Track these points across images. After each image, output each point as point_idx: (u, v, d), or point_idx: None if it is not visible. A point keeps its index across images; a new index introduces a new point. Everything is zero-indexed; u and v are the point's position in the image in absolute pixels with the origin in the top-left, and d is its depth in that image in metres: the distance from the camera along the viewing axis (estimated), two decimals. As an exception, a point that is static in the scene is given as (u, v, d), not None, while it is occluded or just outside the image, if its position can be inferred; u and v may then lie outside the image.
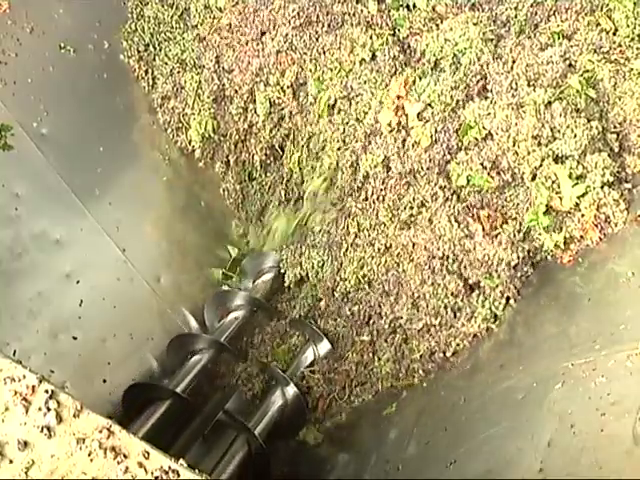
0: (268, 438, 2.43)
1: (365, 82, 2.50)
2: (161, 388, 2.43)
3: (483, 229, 2.31)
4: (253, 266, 2.95)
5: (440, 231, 2.34)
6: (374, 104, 2.45)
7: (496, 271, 2.29)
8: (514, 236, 2.28)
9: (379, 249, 2.53)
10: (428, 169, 2.36)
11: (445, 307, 2.35)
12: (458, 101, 2.34)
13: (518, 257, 2.26)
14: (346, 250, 2.62)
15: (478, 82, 2.37)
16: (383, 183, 2.47)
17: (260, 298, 2.80)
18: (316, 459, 2.48)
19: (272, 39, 2.61)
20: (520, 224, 2.31)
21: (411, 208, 2.41)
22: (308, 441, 2.58)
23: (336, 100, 2.57)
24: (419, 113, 2.34)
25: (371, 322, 2.59)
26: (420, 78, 2.40)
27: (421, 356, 2.42)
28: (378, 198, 2.51)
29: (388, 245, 2.51)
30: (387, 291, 2.51)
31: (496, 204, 2.35)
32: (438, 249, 2.35)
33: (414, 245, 2.40)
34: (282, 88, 2.64)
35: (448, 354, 2.36)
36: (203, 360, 2.58)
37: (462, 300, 2.33)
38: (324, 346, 2.63)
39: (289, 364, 2.68)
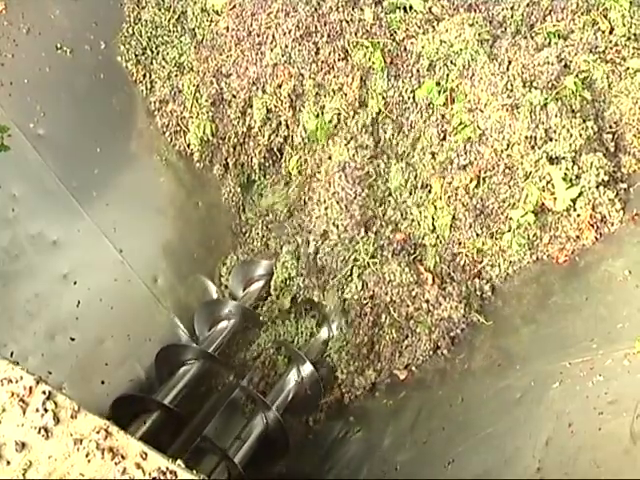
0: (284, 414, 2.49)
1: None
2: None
3: (433, 280, 2.36)
4: (244, 273, 2.89)
5: (390, 276, 2.37)
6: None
7: (435, 320, 2.34)
8: (460, 293, 2.33)
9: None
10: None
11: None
12: None
13: (464, 311, 2.30)
14: None
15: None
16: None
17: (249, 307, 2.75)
18: (316, 458, 2.48)
19: (271, 50, 2.57)
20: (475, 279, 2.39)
21: (366, 254, 2.45)
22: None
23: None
24: None
25: None
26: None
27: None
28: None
29: None
30: None
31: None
32: (386, 294, 2.39)
33: (364, 284, 2.44)
34: (279, 98, 2.63)
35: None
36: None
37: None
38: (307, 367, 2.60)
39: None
